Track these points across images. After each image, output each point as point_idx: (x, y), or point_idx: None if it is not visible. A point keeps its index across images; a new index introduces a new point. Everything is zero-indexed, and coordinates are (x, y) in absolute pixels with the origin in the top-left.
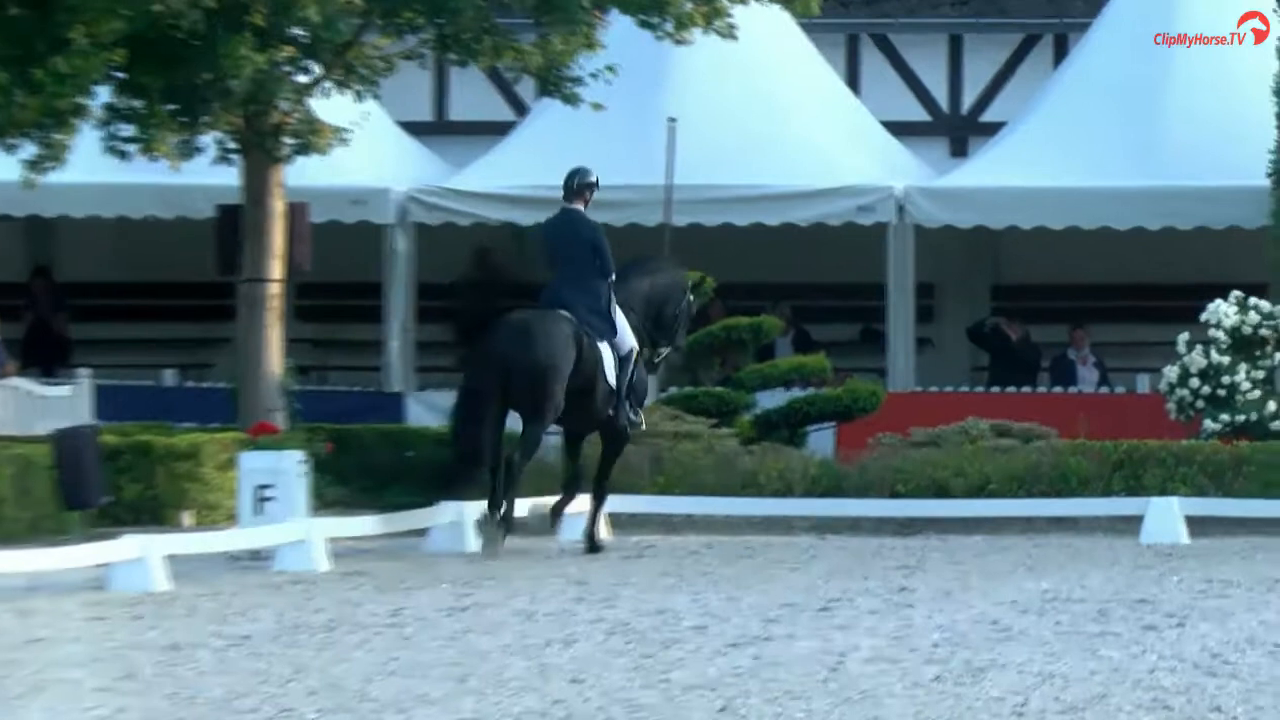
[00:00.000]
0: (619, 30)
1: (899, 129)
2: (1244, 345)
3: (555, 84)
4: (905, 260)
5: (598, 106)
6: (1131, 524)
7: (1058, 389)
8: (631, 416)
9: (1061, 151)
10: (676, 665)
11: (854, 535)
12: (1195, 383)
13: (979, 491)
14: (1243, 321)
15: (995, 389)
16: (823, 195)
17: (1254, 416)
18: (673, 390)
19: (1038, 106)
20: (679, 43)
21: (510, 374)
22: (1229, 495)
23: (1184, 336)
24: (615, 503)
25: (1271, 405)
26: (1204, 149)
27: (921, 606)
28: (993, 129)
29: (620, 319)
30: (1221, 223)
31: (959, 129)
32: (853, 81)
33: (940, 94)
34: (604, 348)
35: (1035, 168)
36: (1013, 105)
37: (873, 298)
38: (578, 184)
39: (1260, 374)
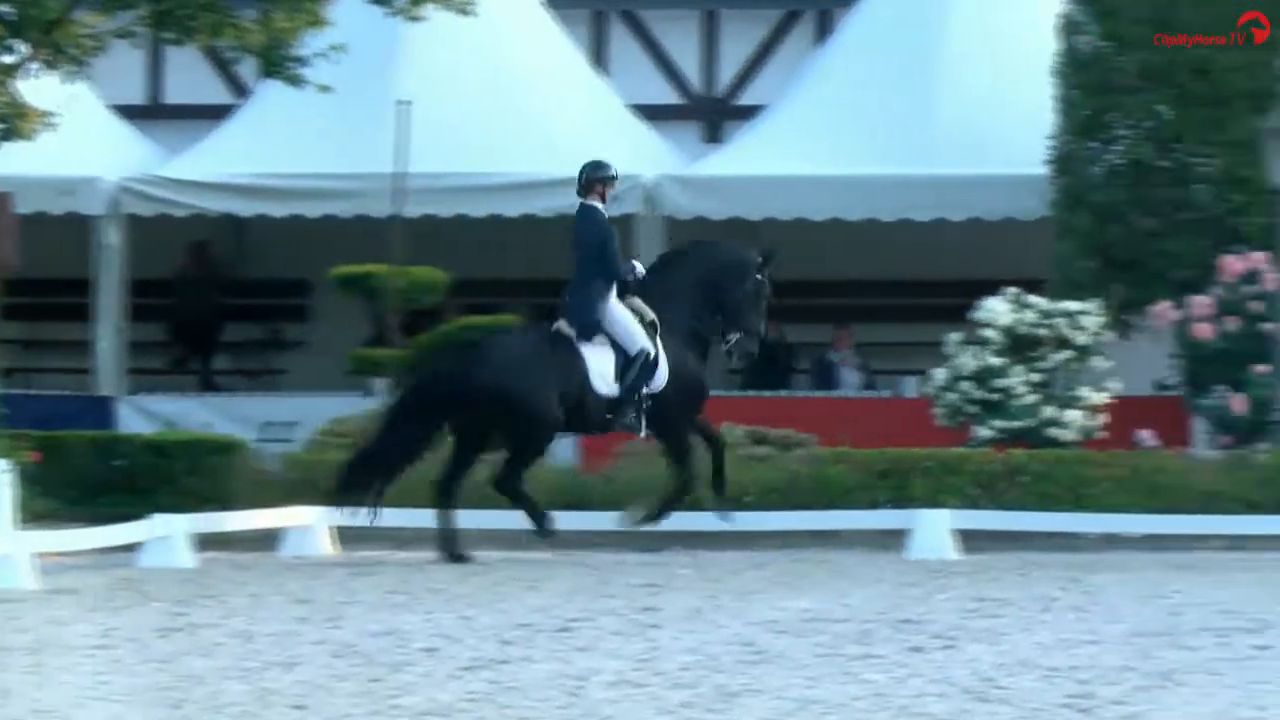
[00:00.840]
0: (347, 6)
1: (650, 112)
2: (1019, 346)
3: (278, 64)
4: (654, 254)
5: (324, 89)
6: (898, 538)
7: (819, 393)
8: (630, 422)
9: (824, 137)
10: (407, 690)
11: (597, 550)
12: (966, 386)
13: (734, 503)
14: (1018, 320)
15: (751, 393)
16: (565, 184)
17: (1029, 422)
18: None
19: (799, 89)
20: (411, 19)
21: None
22: (1002, 507)
23: (954, 336)
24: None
25: (1048, 410)
26: (977, 135)
27: (669, 627)
28: (751, 113)
29: (624, 320)
30: (996, 214)
31: (714, 113)
32: (600, 61)
33: (694, 75)
34: (592, 352)
35: (795, 155)
36: (772, 87)
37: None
38: (587, 178)
39: (1036, 376)
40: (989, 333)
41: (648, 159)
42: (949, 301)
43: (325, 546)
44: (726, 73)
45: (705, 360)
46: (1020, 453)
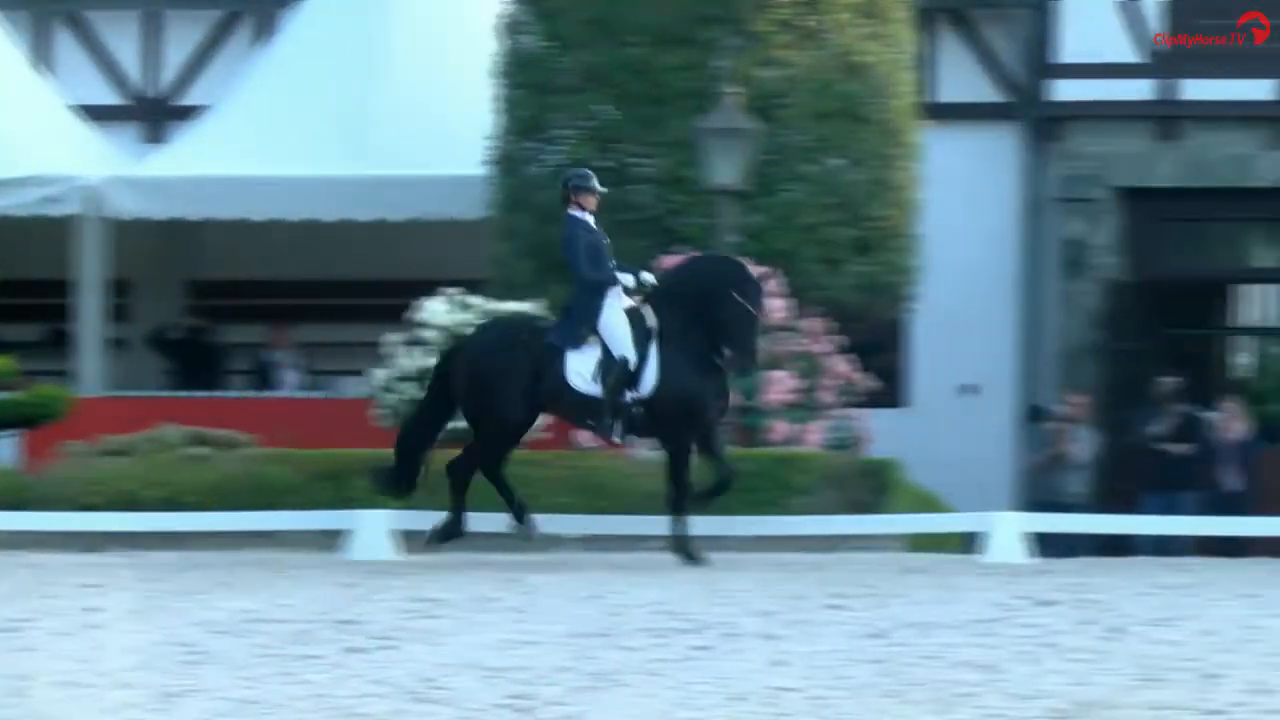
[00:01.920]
0: None
1: (93, 113)
2: None
3: None
4: (95, 256)
5: None
6: (338, 538)
7: (259, 393)
8: (604, 426)
9: (265, 138)
10: None
11: (40, 551)
12: (406, 387)
13: (172, 504)
14: (457, 321)
15: (188, 393)
16: (4, 186)
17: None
18: None
19: (240, 90)
20: None
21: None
22: (440, 507)
23: (394, 337)
24: None
25: None
26: (419, 136)
27: (111, 628)
28: (193, 113)
29: (612, 324)
30: (438, 215)
31: (156, 113)
32: (44, 63)
33: (136, 75)
34: (573, 356)
35: (236, 155)
36: (215, 88)
37: (63, 295)
38: (562, 187)
39: None
40: (428, 333)
41: (90, 160)
42: (391, 302)
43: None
44: (169, 73)
45: (711, 373)
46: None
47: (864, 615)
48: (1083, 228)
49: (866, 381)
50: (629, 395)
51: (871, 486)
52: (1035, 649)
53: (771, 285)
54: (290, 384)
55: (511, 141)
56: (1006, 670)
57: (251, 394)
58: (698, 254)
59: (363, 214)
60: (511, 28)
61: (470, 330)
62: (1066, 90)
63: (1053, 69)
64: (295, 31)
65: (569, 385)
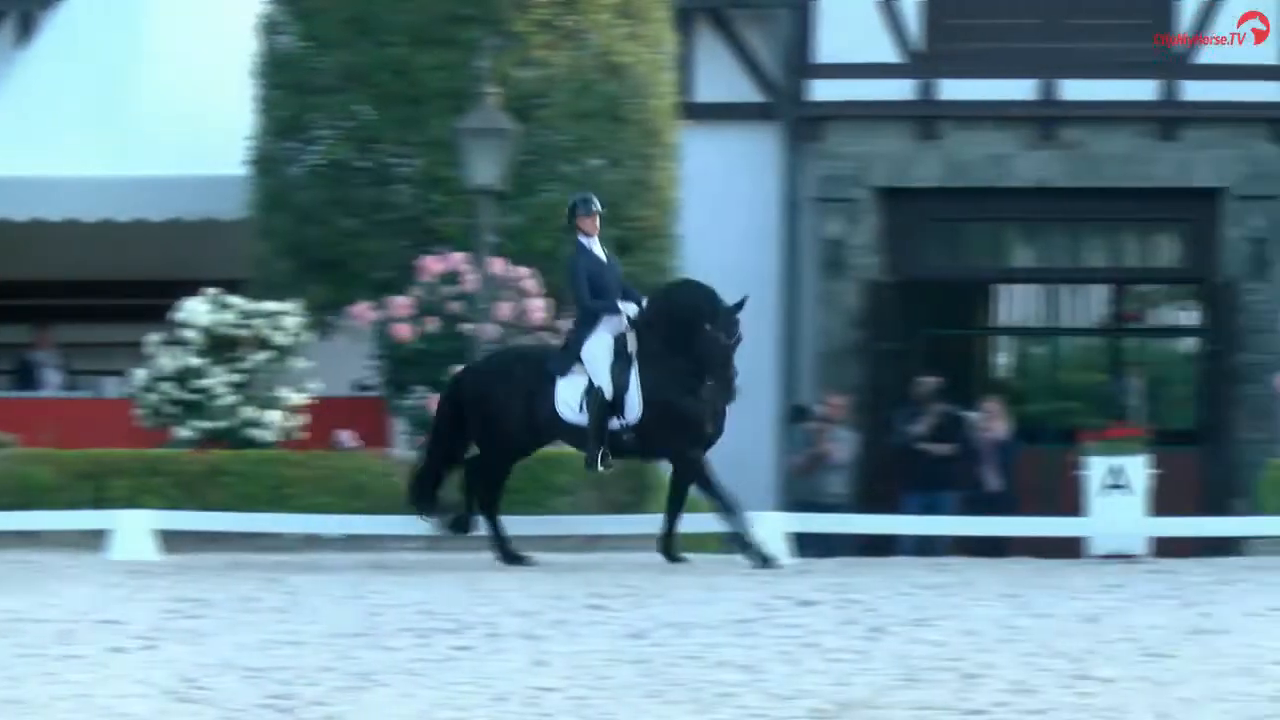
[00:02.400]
0: None
1: None
2: (219, 346)
3: None
4: None
5: None
6: (100, 539)
7: (21, 393)
8: (589, 453)
9: (25, 139)
10: None
11: None
12: (167, 387)
13: None
14: (217, 321)
15: None
16: None
17: (230, 423)
18: None
19: (1, 91)
20: None
21: None
22: (204, 508)
23: (154, 337)
24: None
25: (248, 411)
26: (178, 136)
27: None
28: None
29: (593, 353)
30: (197, 214)
31: None
32: None
33: None
34: (562, 385)
35: None
36: None
37: None
38: (568, 213)
39: (237, 377)
40: (188, 333)
41: None
42: (151, 302)
43: None
44: None
45: (697, 390)
46: (221, 453)
47: (625, 615)
48: (842, 228)
49: None
50: (617, 423)
51: (631, 487)
52: (796, 649)
53: (531, 286)
54: (52, 384)
55: (270, 141)
56: (767, 670)
57: (13, 394)
58: (674, 282)
59: (123, 214)
60: (269, 28)
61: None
62: (825, 90)
63: (811, 69)
64: (55, 33)
65: (559, 415)
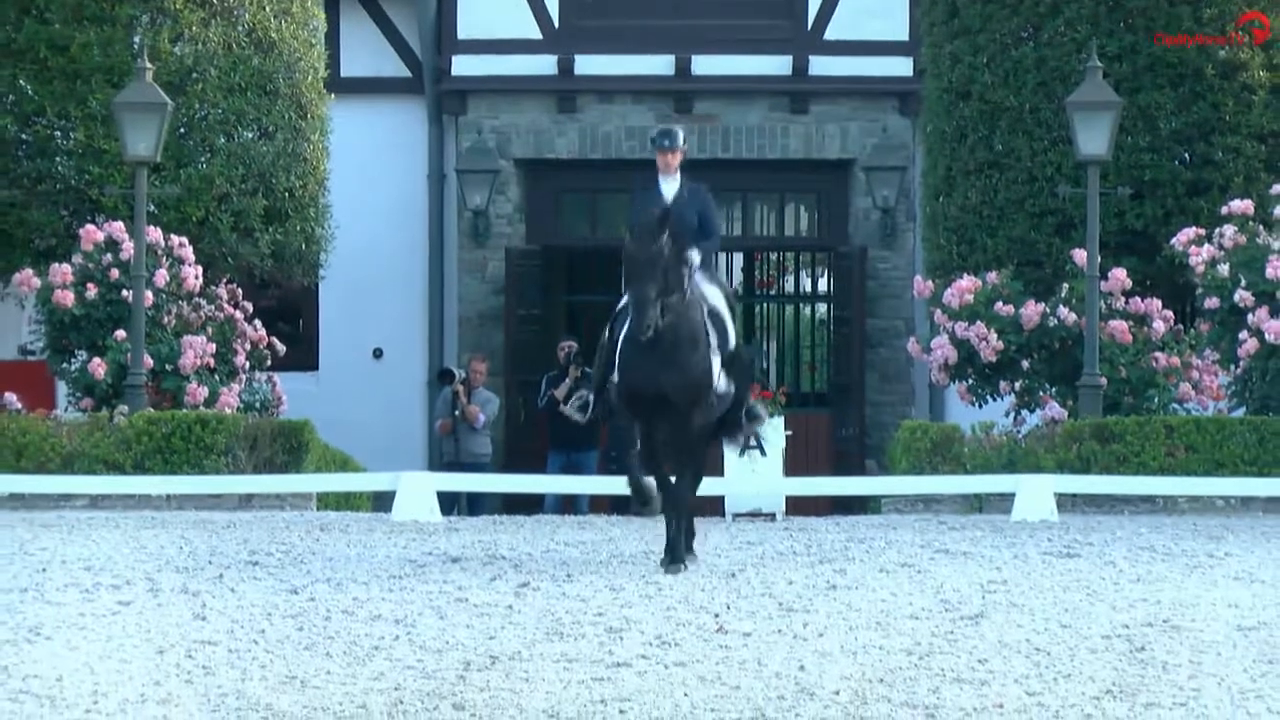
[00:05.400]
0: None
1: None
2: None
3: None
4: None
5: None
6: None
7: None
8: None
9: None
10: None
11: None
12: None
13: None
14: None
15: None
16: None
17: None
18: None
19: None
20: None
21: None
22: None
23: None
24: None
25: None
26: None
27: None
28: None
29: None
30: None
31: None
32: None
33: None
34: None
35: None
36: None
37: None
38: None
39: None
40: None
41: None
42: None
43: None
44: None
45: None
46: None
47: (281, 572)
48: (484, 198)
49: (278, 346)
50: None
51: (286, 446)
52: (446, 604)
53: (186, 253)
54: None
55: None
56: (418, 624)
57: None
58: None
59: None
60: None
61: None
62: (467, 66)
63: (454, 44)
64: None
65: None
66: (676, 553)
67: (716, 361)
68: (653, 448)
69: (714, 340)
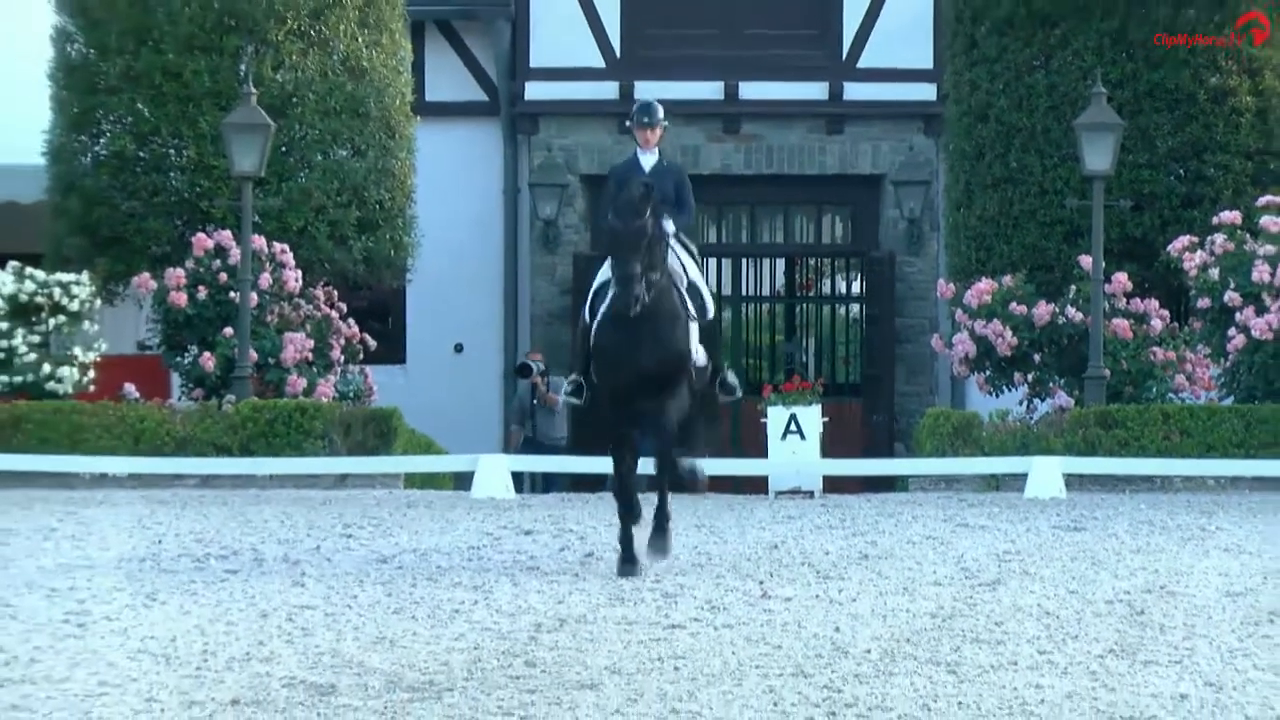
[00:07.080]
0: None
1: None
2: (21, 311)
3: None
4: None
5: None
6: None
7: None
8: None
9: None
10: None
11: None
12: None
13: None
14: (20, 290)
15: None
16: None
17: (30, 378)
18: None
19: None
20: None
21: None
22: (9, 451)
23: None
24: None
25: (46, 367)
26: None
27: None
28: None
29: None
30: (0, 198)
31: None
32: None
33: None
34: None
35: None
36: None
37: None
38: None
39: (36, 338)
40: None
41: None
42: None
43: None
44: None
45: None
46: (23, 404)
47: (372, 543)
48: (554, 209)
49: (369, 341)
50: None
51: (377, 432)
52: (519, 572)
53: (287, 259)
54: None
55: (63, 135)
56: (494, 590)
57: None
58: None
59: None
60: (61, 37)
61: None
62: (538, 91)
63: (526, 72)
64: None
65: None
66: (662, 526)
67: (695, 331)
68: (629, 486)
69: (693, 311)
